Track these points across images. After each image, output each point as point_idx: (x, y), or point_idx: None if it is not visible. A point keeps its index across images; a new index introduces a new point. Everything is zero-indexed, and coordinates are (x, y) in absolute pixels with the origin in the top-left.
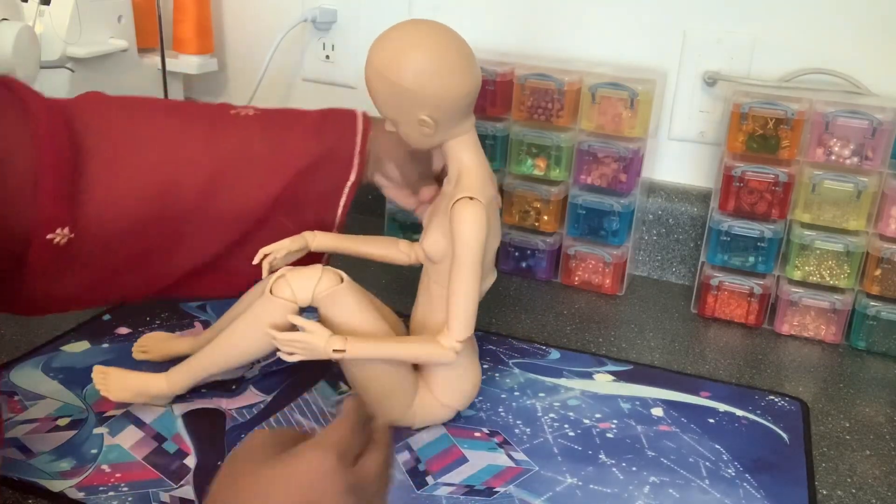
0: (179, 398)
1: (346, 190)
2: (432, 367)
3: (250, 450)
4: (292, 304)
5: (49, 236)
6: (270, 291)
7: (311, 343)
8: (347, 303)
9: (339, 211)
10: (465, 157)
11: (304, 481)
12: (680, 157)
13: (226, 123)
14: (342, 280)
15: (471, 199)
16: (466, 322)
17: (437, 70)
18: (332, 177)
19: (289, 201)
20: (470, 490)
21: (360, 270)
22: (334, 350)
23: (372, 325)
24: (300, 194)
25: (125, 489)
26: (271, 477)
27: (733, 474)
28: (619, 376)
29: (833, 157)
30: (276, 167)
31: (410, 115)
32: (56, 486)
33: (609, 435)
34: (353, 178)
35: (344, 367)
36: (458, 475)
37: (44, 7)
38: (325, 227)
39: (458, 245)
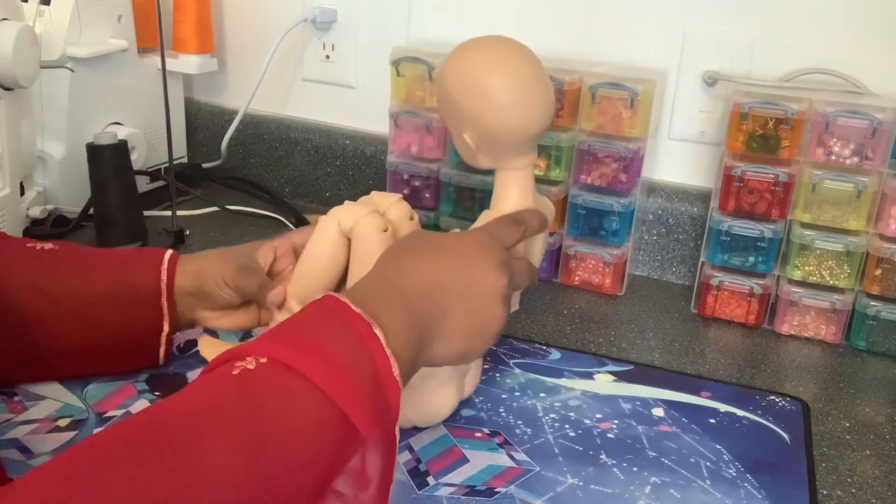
0: None
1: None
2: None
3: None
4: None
5: None
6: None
7: None
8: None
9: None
10: (511, 193)
11: (465, 251)
12: (680, 157)
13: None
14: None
15: None
16: None
17: (490, 97)
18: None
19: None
20: (471, 490)
21: None
22: None
23: None
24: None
25: None
26: (438, 247)
27: (734, 474)
28: (620, 376)
29: (833, 157)
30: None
31: (457, 131)
32: None
33: (610, 435)
34: (166, 328)
35: None
36: (458, 475)
37: (44, 7)
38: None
39: None
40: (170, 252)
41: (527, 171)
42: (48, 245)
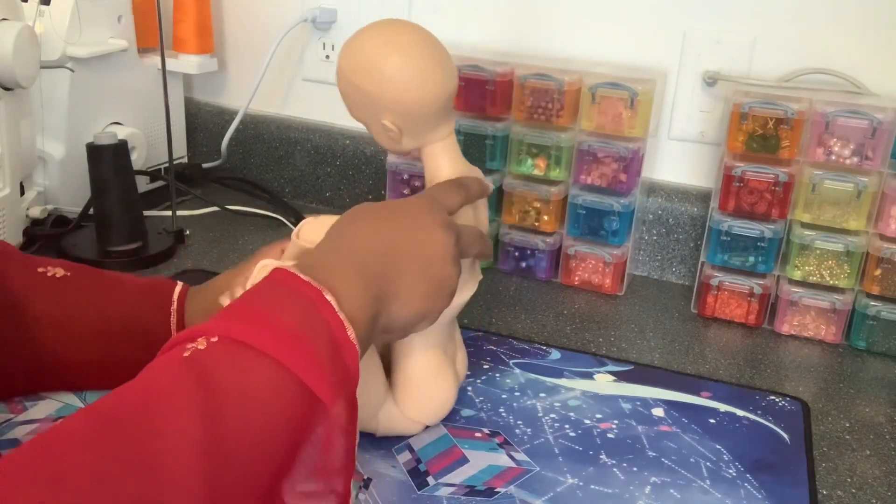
0: None
1: None
2: (399, 380)
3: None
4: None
5: None
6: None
7: None
8: None
9: None
10: (442, 164)
11: (411, 213)
12: (680, 157)
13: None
14: None
15: None
16: None
17: (398, 76)
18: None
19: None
20: (471, 490)
21: None
22: None
23: None
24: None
25: None
26: (384, 211)
27: (734, 474)
28: (620, 376)
29: (833, 157)
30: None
31: (374, 120)
32: None
33: (610, 435)
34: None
35: None
36: (458, 475)
37: (44, 7)
38: None
39: None
40: (179, 288)
41: (451, 140)
42: (60, 271)
